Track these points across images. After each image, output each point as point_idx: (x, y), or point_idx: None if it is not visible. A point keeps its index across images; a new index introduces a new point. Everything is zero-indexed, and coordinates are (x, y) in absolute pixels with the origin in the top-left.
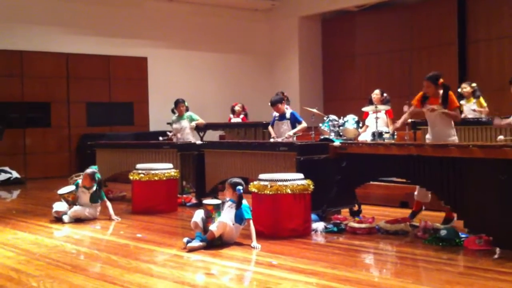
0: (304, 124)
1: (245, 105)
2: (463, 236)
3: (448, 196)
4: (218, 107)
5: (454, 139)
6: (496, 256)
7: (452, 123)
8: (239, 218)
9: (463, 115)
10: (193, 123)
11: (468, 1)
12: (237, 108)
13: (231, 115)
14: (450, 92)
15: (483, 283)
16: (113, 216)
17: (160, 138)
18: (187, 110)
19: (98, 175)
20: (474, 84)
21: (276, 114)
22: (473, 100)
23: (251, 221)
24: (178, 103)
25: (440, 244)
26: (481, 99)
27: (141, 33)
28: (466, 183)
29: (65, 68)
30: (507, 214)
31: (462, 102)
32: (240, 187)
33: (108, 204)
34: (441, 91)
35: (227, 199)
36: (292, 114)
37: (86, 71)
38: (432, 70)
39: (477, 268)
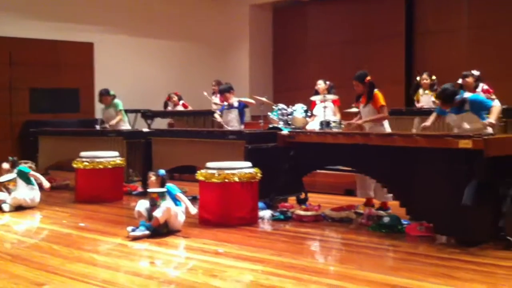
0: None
1: (179, 92)
2: (405, 223)
3: (391, 185)
4: (167, 94)
5: (386, 129)
6: (442, 241)
7: (385, 120)
8: (175, 200)
9: (419, 105)
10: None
11: None
12: (174, 98)
13: (169, 108)
14: (376, 92)
15: (424, 268)
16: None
17: (97, 127)
18: (114, 98)
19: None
20: (434, 77)
21: (226, 103)
22: (431, 93)
23: (179, 194)
24: (102, 95)
25: (383, 230)
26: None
27: (88, 18)
28: (409, 171)
29: (7, 53)
30: (447, 202)
31: (420, 91)
32: (162, 170)
33: (38, 175)
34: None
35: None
36: (239, 103)
37: (30, 57)
38: (381, 61)
39: (418, 254)
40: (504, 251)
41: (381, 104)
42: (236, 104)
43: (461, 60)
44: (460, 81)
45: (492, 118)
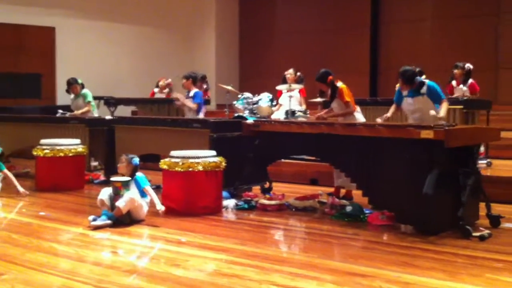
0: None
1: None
2: (367, 212)
3: (355, 174)
4: (132, 82)
5: (358, 120)
6: (403, 230)
7: (353, 114)
8: (140, 191)
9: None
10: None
11: None
12: (161, 83)
13: (156, 89)
14: (340, 87)
15: (385, 257)
16: (20, 189)
17: (60, 111)
18: (83, 87)
19: None
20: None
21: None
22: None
23: (148, 188)
24: (70, 84)
25: (346, 219)
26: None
27: (49, 1)
28: (372, 161)
29: None
30: (408, 191)
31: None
32: (136, 159)
33: (10, 175)
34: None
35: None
36: (194, 93)
37: None
38: (347, 50)
39: (380, 243)
40: (463, 240)
41: (346, 100)
42: (191, 94)
43: (425, 50)
44: (455, 71)
45: (442, 112)
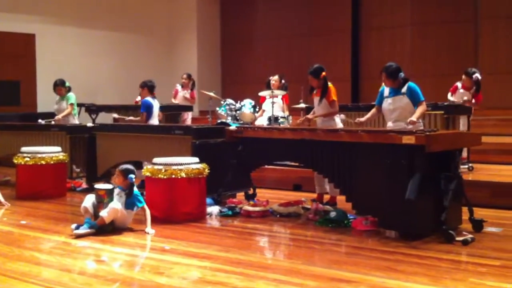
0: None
1: None
2: (351, 217)
3: (338, 179)
4: (113, 88)
5: (338, 125)
6: (387, 235)
7: (335, 116)
8: (130, 204)
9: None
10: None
11: None
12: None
13: (138, 98)
14: (329, 86)
15: (368, 262)
16: (1, 199)
17: (40, 121)
18: (69, 90)
19: None
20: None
21: None
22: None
23: (146, 207)
24: (56, 86)
25: (330, 225)
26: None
27: (29, 8)
28: (355, 167)
29: None
30: (391, 197)
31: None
32: (132, 176)
33: None
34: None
35: (116, 186)
36: (142, 102)
37: None
38: (328, 56)
39: (363, 248)
40: (446, 244)
41: (333, 99)
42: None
43: (405, 56)
44: (463, 77)
45: (415, 116)
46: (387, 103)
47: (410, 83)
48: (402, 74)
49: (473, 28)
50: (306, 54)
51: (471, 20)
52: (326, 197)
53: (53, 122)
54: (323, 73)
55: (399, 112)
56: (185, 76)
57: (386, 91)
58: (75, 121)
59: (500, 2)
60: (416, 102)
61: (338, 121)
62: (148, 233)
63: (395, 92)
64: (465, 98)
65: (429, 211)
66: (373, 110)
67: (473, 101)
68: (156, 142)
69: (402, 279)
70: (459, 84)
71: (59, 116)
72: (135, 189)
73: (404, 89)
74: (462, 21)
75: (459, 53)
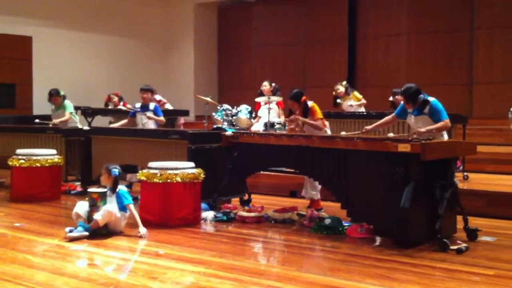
0: (161, 119)
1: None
2: (346, 224)
3: (333, 186)
4: (109, 92)
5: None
6: (381, 243)
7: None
8: (121, 205)
9: (349, 111)
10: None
11: (358, 0)
12: (114, 99)
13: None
14: (312, 106)
15: (362, 270)
16: None
17: (37, 120)
18: (64, 98)
19: None
20: (344, 83)
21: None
22: (349, 97)
23: (131, 206)
24: (51, 96)
25: (325, 232)
26: (355, 93)
27: (26, 11)
28: (350, 174)
29: None
30: (386, 204)
31: (339, 101)
32: (115, 170)
33: None
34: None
35: (107, 187)
36: (155, 107)
37: None
38: (324, 64)
39: (358, 256)
40: (440, 253)
41: (318, 117)
42: (152, 107)
43: (400, 65)
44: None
45: (429, 127)
46: (411, 120)
47: (433, 102)
48: (422, 96)
49: (468, 38)
50: (302, 62)
51: (466, 30)
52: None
53: (51, 125)
54: (304, 97)
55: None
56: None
57: None
58: (78, 126)
59: (496, 12)
60: (438, 121)
61: (329, 132)
62: (141, 233)
63: (418, 111)
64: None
65: (424, 219)
66: (388, 118)
67: None
68: (152, 146)
69: (396, 287)
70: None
71: (57, 121)
72: (124, 188)
73: (426, 109)
74: (457, 30)
75: (454, 62)
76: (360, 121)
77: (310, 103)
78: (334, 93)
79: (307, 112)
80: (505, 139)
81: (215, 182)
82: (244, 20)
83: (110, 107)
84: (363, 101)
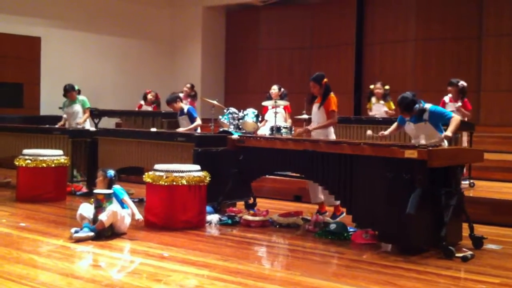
0: (198, 122)
1: (158, 93)
2: (351, 230)
3: (338, 191)
4: (116, 93)
5: (330, 135)
6: (387, 249)
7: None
8: (121, 203)
9: (371, 113)
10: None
11: (366, 6)
12: (149, 96)
13: (142, 102)
14: (331, 95)
15: (367, 276)
16: None
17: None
18: (79, 93)
19: None
20: (387, 87)
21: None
22: (382, 102)
23: (126, 198)
24: (67, 92)
25: (330, 237)
26: (391, 103)
27: (35, 11)
28: (356, 179)
29: None
30: (392, 210)
31: (373, 100)
32: (111, 171)
33: None
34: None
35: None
36: (188, 110)
37: None
38: (330, 69)
39: (362, 261)
40: (446, 260)
41: (332, 109)
42: (185, 109)
43: (408, 71)
44: (449, 87)
45: (449, 130)
46: (410, 128)
47: (431, 108)
48: (417, 106)
49: (476, 45)
50: (308, 67)
51: (474, 37)
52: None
53: (80, 126)
54: (325, 80)
55: (424, 138)
56: (188, 85)
57: None
58: (91, 123)
59: (504, 19)
60: (444, 123)
61: (332, 131)
62: (138, 220)
63: (417, 118)
64: (457, 105)
65: (429, 226)
66: (395, 125)
67: (464, 110)
68: (158, 149)
69: None
70: (446, 98)
71: (81, 121)
72: (117, 186)
73: (426, 116)
74: (465, 37)
75: (461, 69)
76: (364, 126)
77: (330, 93)
78: (372, 87)
79: (326, 97)
80: (511, 147)
81: (220, 185)
82: (251, 24)
83: (143, 101)
84: (394, 112)
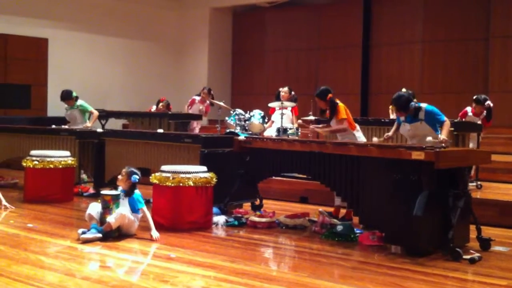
0: None
1: (170, 103)
2: (358, 231)
3: (345, 193)
4: (122, 94)
5: (359, 138)
6: (394, 251)
7: (351, 132)
8: (133, 208)
9: (393, 116)
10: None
11: (373, 7)
12: (160, 105)
13: (154, 108)
14: (339, 105)
15: (374, 277)
16: (4, 203)
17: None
18: (76, 99)
19: None
20: (404, 90)
21: None
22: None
23: (145, 209)
24: (63, 99)
25: (336, 239)
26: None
27: (43, 13)
28: (363, 181)
29: None
30: (399, 212)
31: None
32: (136, 176)
33: None
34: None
35: (121, 190)
36: None
37: None
38: (337, 70)
39: (370, 263)
40: (453, 262)
41: (341, 117)
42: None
43: (415, 73)
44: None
45: (444, 134)
46: (405, 129)
47: (427, 107)
48: (413, 104)
49: (483, 47)
50: (315, 68)
51: (481, 38)
52: (342, 212)
53: (89, 126)
54: (330, 95)
55: (419, 139)
56: (205, 90)
57: None
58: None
59: (511, 21)
60: (437, 124)
61: (360, 135)
62: (153, 236)
63: (412, 118)
64: (478, 120)
65: (437, 228)
66: (395, 125)
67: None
68: (165, 150)
69: None
70: (469, 109)
71: (89, 124)
72: (137, 191)
73: (421, 115)
74: (472, 39)
75: (469, 71)
76: (370, 127)
77: (337, 102)
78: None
79: (334, 110)
80: None
81: (226, 186)
82: (258, 25)
83: (154, 107)
84: None
